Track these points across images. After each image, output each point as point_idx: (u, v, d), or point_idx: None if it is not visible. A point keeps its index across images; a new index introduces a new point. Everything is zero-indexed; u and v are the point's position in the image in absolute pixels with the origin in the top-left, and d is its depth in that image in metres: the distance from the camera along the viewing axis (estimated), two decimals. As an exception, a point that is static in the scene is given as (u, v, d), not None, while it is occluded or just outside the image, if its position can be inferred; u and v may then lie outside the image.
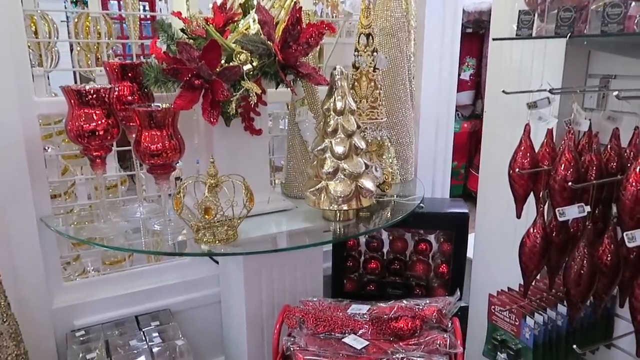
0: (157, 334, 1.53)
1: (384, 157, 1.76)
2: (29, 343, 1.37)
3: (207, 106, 1.27)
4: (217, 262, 1.75)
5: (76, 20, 1.58)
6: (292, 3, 1.35)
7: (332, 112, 1.38)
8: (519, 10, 1.12)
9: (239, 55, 1.24)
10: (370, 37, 1.57)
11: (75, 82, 1.92)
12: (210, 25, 1.40)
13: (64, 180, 1.65)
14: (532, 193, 1.22)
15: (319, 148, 1.39)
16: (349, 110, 1.38)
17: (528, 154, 1.17)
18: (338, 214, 1.44)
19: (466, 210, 1.72)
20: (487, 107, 1.53)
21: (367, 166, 1.42)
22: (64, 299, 1.58)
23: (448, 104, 2.08)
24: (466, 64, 4.39)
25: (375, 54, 1.57)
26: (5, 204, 1.38)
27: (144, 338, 1.51)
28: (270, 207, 1.51)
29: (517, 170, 1.14)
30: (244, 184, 1.28)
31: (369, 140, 1.61)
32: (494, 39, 1.26)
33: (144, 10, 2.38)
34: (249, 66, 1.31)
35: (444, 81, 2.03)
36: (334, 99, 1.37)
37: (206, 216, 1.22)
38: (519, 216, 1.24)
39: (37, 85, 1.50)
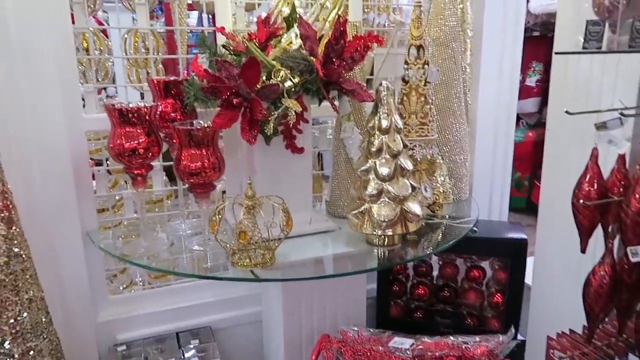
0: (195, 353, 1.51)
1: (436, 175, 1.66)
2: (72, 357, 1.39)
3: (245, 125, 1.23)
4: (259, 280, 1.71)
5: (125, 36, 1.59)
6: (337, 16, 1.29)
7: (376, 131, 1.30)
8: (587, 21, 0.99)
9: (277, 73, 1.18)
10: (422, 49, 1.47)
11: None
12: (252, 40, 1.37)
13: (112, 194, 1.67)
14: (599, 225, 1.08)
15: (362, 168, 1.32)
16: (395, 129, 1.30)
17: (595, 182, 1.03)
18: (383, 239, 1.35)
19: (524, 236, 1.58)
20: (549, 125, 1.39)
21: (414, 188, 1.33)
22: (109, 313, 1.60)
23: (508, 116, 1.93)
24: (532, 69, 4.15)
25: (426, 66, 1.48)
26: (51, 219, 1.40)
27: (182, 357, 1.49)
28: (311, 228, 1.45)
29: (581, 201, 1.01)
30: (282, 207, 1.23)
31: (419, 159, 1.51)
32: (556, 53, 1.13)
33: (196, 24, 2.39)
34: (290, 83, 1.26)
35: (504, 90, 1.89)
36: (379, 117, 1.29)
37: (241, 240, 1.18)
38: (583, 251, 1.10)
39: (89, 102, 1.53)
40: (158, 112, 1.38)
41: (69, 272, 1.47)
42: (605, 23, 0.97)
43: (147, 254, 1.35)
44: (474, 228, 1.52)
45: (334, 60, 1.24)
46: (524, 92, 4.12)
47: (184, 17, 1.74)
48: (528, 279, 1.71)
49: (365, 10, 2.01)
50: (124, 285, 1.78)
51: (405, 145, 1.32)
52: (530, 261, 1.71)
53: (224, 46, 1.35)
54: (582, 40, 1.00)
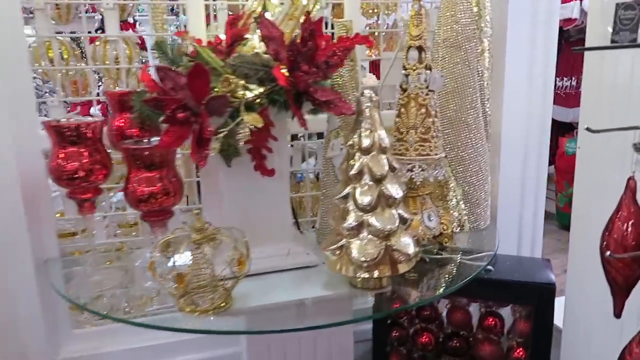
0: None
1: (448, 199, 1.40)
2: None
3: (194, 144, 1.03)
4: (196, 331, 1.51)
5: (97, 44, 1.45)
6: (304, 11, 1.07)
7: (356, 151, 1.06)
8: (617, 4, 0.72)
9: (226, 82, 0.98)
10: (422, 52, 1.23)
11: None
12: (217, 45, 1.17)
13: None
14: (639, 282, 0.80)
15: (339, 195, 1.08)
16: (379, 148, 1.06)
17: (631, 225, 0.75)
18: (366, 282, 1.11)
19: (552, 279, 1.28)
20: (581, 142, 1.10)
21: (404, 220, 1.08)
22: (72, 349, 1.44)
23: (541, 128, 1.63)
24: (585, 74, 3.74)
25: (427, 72, 1.23)
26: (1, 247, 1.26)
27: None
28: (289, 263, 1.23)
29: (608, 254, 0.73)
30: (236, 241, 1.02)
31: (418, 182, 1.25)
32: (574, 50, 0.85)
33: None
34: (254, 92, 1.06)
35: (535, 98, 1.59)
36: (360, 134, 1.06)
37: (179, 284, 0.98)
38: (618, 315, 0.82)
39: (54, 116, 1.39)
40: (114, 128, 1.22)
41: (22, 306, 1.32)
42: (642, 6, 0.70)
43: (94, 290, 1.17)
44: (489, 267, 1.25)
45: (302, 66, 1.02)
46: (578, 99, 3.73)
47: (161, 22, 1.57)
48: (558, 320, 1.40)
49: (374, 10, 1.79)
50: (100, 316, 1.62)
51: (392, 168, 1.07)
52: (561, 302, 1.41)
53: (183, 52, 1.16)
54: (611, 31, 0.73)
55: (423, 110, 1.23)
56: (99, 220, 1.49)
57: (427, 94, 1.23)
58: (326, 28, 1.74)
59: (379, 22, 1.77)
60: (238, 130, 1.01)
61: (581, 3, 3.57)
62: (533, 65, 1.56)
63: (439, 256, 1.28)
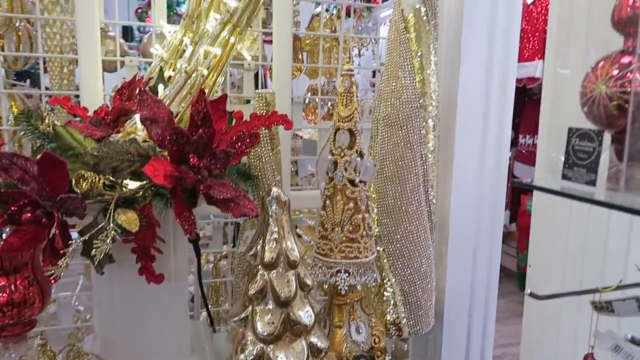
0: None
1: (384, 299, 1.20)
2: None
3: (46, 252, 0.81)
4: None
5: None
6: (200, 82, 0.87)
7: (258, 264, 0.85)
8: (569, 129, 0.54)
9: (81, 180, 0.76)
10: (353, 136, 1.04)
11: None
12: (102, 118, 0.96)
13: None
14: None
15: (236, 318, 0.86)
16: (286, 263, 0.85)
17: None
18: None
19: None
20: (529, 280, 0.92)
21: (317, 352, 0.87)
22: None
23: (493, 216, 1.46)
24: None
25: (358, 159, 1.04)
26: None
27: None
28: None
29: None
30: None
31: (343, 291, 1.04)
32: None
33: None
34: (135, 185, 0.84)
35: (488, 181, 1.42)
36: (263, 243, 0.85)
37: None
38: None
39: None
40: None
41: None
42: (601, 134, 0.52)
43: None
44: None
45: (191, 157, 0.82)
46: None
47: (60, 79, 1.35)
48: None
49: (314, 77, 1.62)
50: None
51: (302, 286, 0.86)
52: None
53: (53, 125, 0.93)
54: (563, 162, 0.55)
55: (351, 204, 1.03)
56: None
57: (356, 186, 1.03)
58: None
59: (320, 84, 1.60)
60: (103, 236, 0.79)
61: (544, 62, 3.53)
62: (486, 145, 1.39)
63: (368, 377, 1.07)
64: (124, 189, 0.84)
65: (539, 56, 3.35)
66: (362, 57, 1.80)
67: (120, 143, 0.79)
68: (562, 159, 0.53)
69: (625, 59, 0.53)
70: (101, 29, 1.16)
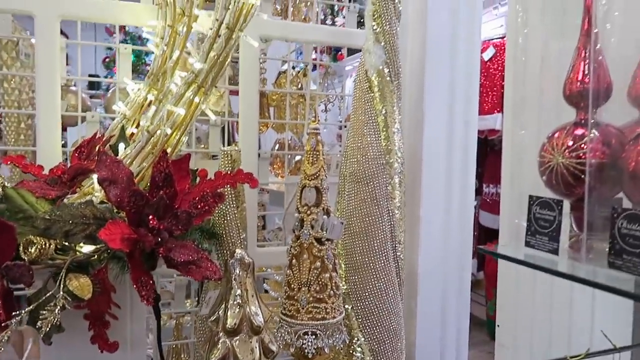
0: None
1: None
2: None
3: (-11, 323, 0.75)
4: None
5: None
6: (163, 142, 0.85)
7: (220, 331, 0.81)
8: (530, 197, 0.55)
9: (30, 245, 0.72)
10: (319, 193, 1.03)
11: None
12: (60, 177, 0.92)
13: None
14: None
15: (196, 391, 0.82)
16: (249, 329, 0.82)
17: None
18: None
19: None
20: (499, 320, 0.91)
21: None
22: None
23: (460, 268, 1.46)
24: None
25: (324, 217, 1.02)
26: None
27: None
28: None
29: None
30: None
31: (311, 354, 1.00)
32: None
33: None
34: (90, 248, 0.80)
35: (454, 235, 1.43)
36: (225, 309, 0.82)
37: None
38: None
39: None
40: None
41: None
42: (561, 203, 0.53)
43: None
44: None
45: (150, 220, 0.79)
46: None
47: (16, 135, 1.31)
48: None
49: (281, 131, 1.62)
50: None
51: (268, 353, 0.83)
52: None
53: (3, 186, 0.89)
54: (525, 229, 0.55)
55: (318, 263, 1.01)
56: None
57: (322, 245, 1.02)
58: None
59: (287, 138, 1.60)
60: (52, 305, 0.74)
61: (502, 115, 3.68)
62: (451, 198, 1.41)
63: None
64: (77, 252, 0.79)
65: (498, 110, 3.48)
66: (329, 112, 1.83)
67: (74, 206, 0.76)
68: (525, 225, 0.54)
69: (579, 131, 0.55)
70: (63, 84, 1.14)
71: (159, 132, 0.88)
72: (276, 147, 1.69)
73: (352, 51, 3.07)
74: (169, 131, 0.88)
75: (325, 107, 1.80)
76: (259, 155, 1.33)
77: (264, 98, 1.56)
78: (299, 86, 1.56)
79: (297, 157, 1.70)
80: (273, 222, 1.84)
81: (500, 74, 3.40)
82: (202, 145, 1.49)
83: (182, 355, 1.45)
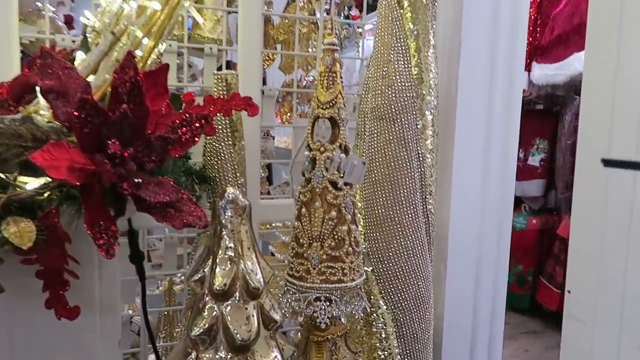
0: None
1: (373, 332, 0.97)
2: None
3: None
4: None
5: None
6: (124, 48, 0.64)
7: (206, 294, 0.62)
8: None
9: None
10: (336, 125, 0.82)
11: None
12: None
13: None
14: None
15: (175, 369, 0.62)
16: (245, 291, 0.62)
17: None
18: None
19: None
20: (570, 285, 0.70)
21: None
22: None
23: (500, 227, 1.25)
24: (535, 146, 3.55)
25: (342, 155, 0.81)
26: None
27: None
28: None
29: None
30: None
31: (324, 325, 0.81)
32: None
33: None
34: (37, 183, 0.61)
35: (492, 190, 1.21)
36: (213, 265, 0.62)
37: None
38: None
39: None
40: None
41: None
42: None
43: None
44: None
45: (111, 144, 0.58)
46: (526, 172, 3.53)
47: None
48: None
49: (289, 71, 1.40)
50: None
51: (269, 323, 0.63)
52: None
53: None
54: None
55: (334, 213, 0.80)
56: None
57: (339, 190, 0.81)
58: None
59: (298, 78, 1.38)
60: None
61: (529, 74, 3.42)
62: (489, 145, 1.19)
63: None
64: (18, 188, 0.60)
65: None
66: (345, 48, 1.61)
67: (6, 121, 0.55)
68: None
69: None
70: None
71: (125, 36, 0.67)
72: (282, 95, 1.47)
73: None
74: (139, 34, 0.66)
75: (341, 44, 1.57)
76: (262, 92, 1.11)
77: (269, 27, 1.33)
78: (311, 12, 1.33)
79: (307, 101, 1.48)
80: (280, 177, 1.64)
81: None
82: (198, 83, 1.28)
83: (177, 327, 1.27)
